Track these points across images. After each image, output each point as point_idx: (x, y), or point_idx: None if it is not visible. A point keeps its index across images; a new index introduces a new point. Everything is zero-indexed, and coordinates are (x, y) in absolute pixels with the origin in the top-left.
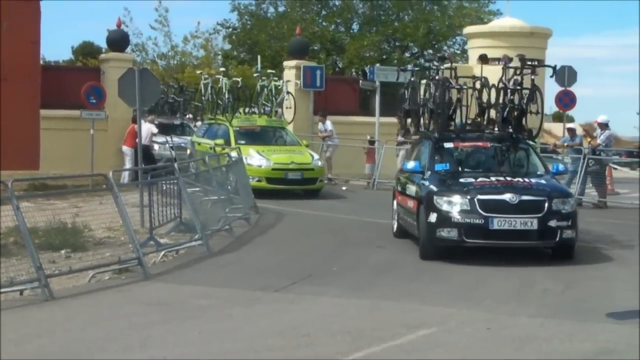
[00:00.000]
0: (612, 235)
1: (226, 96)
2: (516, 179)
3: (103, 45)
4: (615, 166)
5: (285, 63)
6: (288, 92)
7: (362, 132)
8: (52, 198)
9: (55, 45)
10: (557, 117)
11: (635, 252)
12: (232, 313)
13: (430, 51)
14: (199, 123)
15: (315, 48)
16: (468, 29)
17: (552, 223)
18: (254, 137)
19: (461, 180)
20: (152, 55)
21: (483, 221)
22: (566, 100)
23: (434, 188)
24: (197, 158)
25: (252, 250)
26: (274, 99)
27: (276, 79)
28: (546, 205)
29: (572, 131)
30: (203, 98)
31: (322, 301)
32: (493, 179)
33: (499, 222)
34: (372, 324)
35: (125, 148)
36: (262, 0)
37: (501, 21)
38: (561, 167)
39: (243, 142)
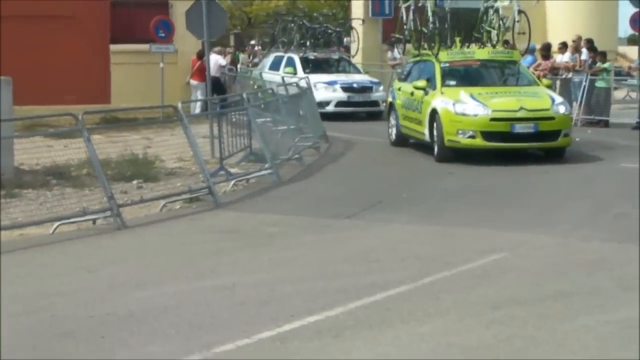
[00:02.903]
0: None
1: (430, 20)
2: None
3: None
4: None
5: None
6: (520, 12)
7: None
8: (124, 130)
9: None
10: (632, 40)
11: None
12: (302, 240)
13: None
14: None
15: None
16: None
17: None
18: (470, 76)
19: None
20: None
21: None
22: None
23: None
24: (266, 88)
25: (322, 178)
26: (501, 22)
27: None
28: None
29: None
30: (405, 27)
31: (392, 227)
32: None
33: None
34: (442, 250)
35: (193, 82)
36: None
37: None
38: None
39: (453, 82)
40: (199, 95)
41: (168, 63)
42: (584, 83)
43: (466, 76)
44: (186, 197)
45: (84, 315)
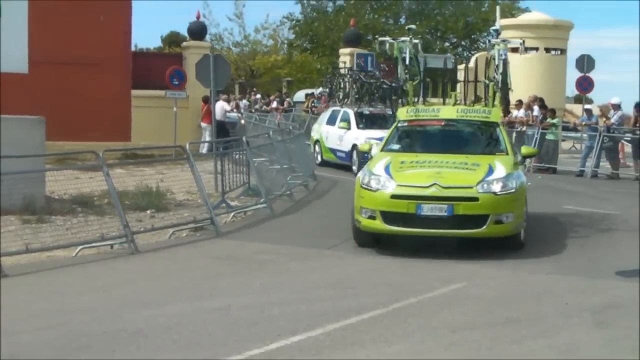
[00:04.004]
0: (620, 203)
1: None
2: None
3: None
4: (627, 142)
5: (341, 50)
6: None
7: None
8: (141, 165)
9: (147, 34)
10: (578, 99)
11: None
12: (289, 267)
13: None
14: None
15: (368, 38)
16: (500, 22)
17: None
18: (426, 140)
19: None
20: (228, 43)
21: None
22: (585, 84)
23: None
24: (262, 133)
25: (309, 212)
26: (497, 75)
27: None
28: None
29: (589, 111)
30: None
31: (367, 258)
32: None
33: None
34: (410, 279)
35: (203, 124)
36: None
37: (529, 15)
38: None
39: (397, 147)
40: (207, 136)
41: (180, 107)
42: (535, 135)
43: (421, 139)
44: (192, 226)
45: (98, 331)
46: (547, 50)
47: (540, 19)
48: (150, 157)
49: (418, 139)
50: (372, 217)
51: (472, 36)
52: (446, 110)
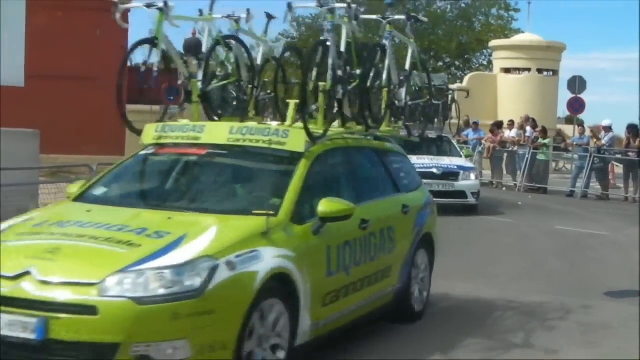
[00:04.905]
0: (610, 224)
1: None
2: None
3: None
4: (617, 164)
5: None
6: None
7: None
8: None
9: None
10: (569, 120)
11: (628, 238)
12: None
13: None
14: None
15: None
16: (493, 43)
17: None
18: (155, 180)
19: None
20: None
21: None
22: (576, 105)
23: None
24: None
25: None
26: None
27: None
28: None
29: (581, 128)
30: None
31: None
32: None
33: None
34: None
35: None
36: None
37: (522, 36)
38: None
39: (100, 192)
40: None
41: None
42: (527, 156)
43: (150, 178)
44: None
45: None
46: (540, 71)
47: (533, 40)
48: None
49: (146, 178)
50: None
51: (466, 56)
52: (214, 131)
